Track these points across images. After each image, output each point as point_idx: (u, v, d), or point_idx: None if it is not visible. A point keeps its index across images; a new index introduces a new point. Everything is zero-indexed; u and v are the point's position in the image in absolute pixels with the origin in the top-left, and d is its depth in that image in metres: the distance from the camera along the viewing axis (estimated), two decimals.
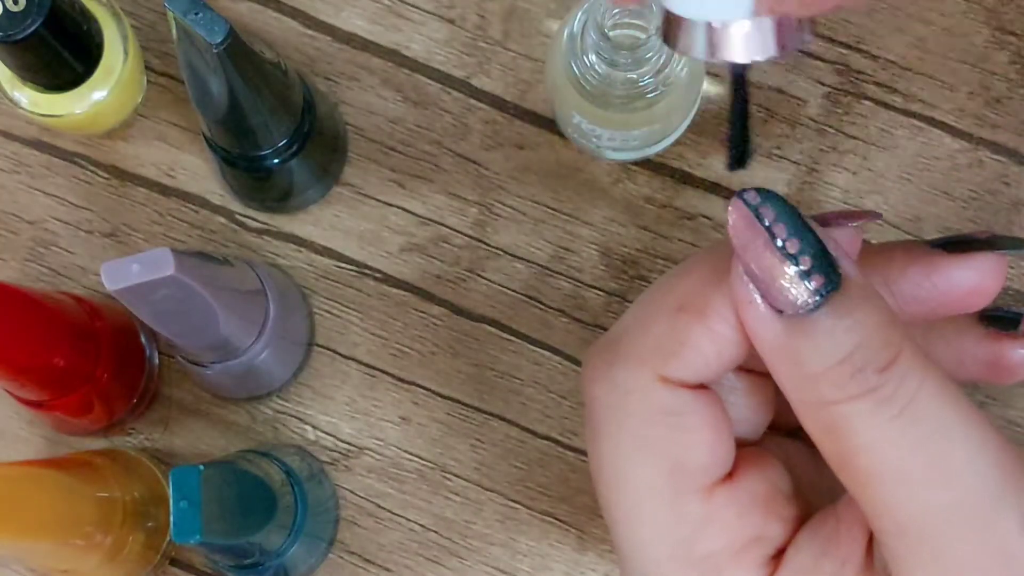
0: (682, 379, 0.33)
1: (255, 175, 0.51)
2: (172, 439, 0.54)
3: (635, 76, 0.46)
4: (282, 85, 0.48)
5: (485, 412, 0.53)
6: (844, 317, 0.30)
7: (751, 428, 0.37)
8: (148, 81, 0.54)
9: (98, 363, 0.49)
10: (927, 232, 0.53)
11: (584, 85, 0.47)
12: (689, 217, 0.53)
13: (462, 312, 0.53)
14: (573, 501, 0.53)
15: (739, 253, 0.31)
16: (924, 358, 0.31)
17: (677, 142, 0.53)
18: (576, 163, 0.53)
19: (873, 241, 0.37)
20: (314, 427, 0.53)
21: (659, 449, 0.34)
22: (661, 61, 0.46)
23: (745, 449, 0.35)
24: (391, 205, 0.54)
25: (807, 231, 0.31)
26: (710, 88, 0.53)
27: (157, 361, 0.53)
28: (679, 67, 0.47)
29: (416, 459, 0.53)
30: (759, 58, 0.28)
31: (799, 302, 0.30)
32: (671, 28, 0.29)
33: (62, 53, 0.49)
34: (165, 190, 0.54)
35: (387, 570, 0.53)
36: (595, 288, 0.53)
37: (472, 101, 0.54)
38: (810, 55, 0.53)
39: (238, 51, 0.43)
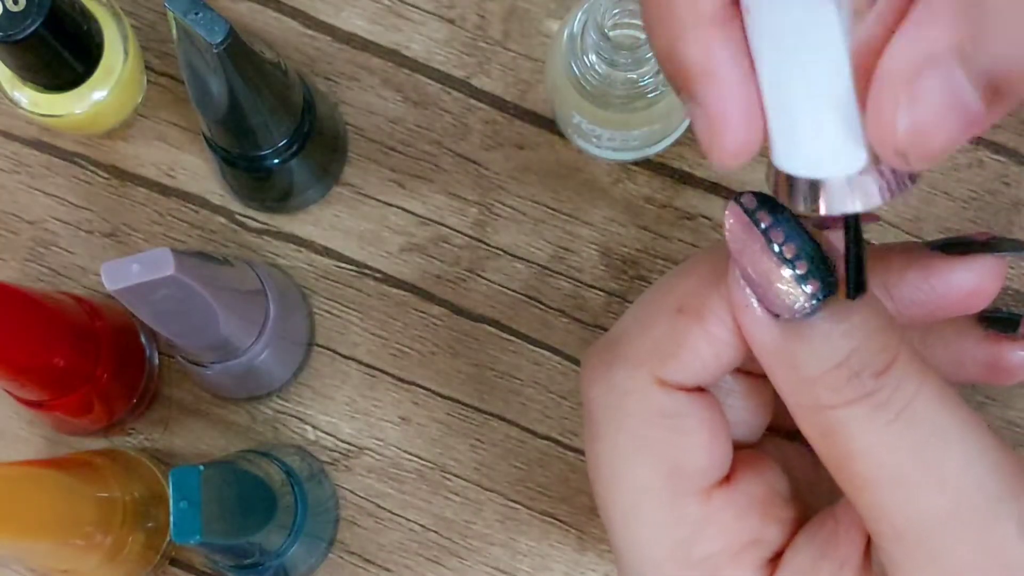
0: (680, 381, 0.33)
1: (255, 175, 0.51)
2: (172, 439, 0.54)
3: (635, 76, 0.46)
4: (282, 85, 0.48)
5: (485, 412, 0.53)
6: (841, 321, 0.30)
7: (749, 430, 0.37)
8: (148, 81, 0.54)
9: (98, 363, 0.49)
10: (927, 232, 0.53)
11: (584, 85, 0.47)
12: (689, 217, 0.53)
13: (462, 312, 0.53)
14: (573, 501, 0.53)
15: (736, 257, 0.31)
16: (921, 362, 0.31)
17: (677, 142, 0.53)
18: (576, 163, 0.53)
19: (873, 242, 0.37)
20: (314, 427, 0.53)
21: (657, 451, 0.34)
22: None
23: (743, 451, 0.35)
24: (391, 205, 0.54)
25: (804, 235, 0.31)
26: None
27: (157, 361, 0.53)
28: None
29: (416, 459, 0.53)
30: (871, 207, 0.28)
31: (796, 306, 0.30)
32: (777, 179, 0.29)
33: (62, 53, 0.49)
34: (165, 190, 0.54)
35: (387, 570, 0.53)
36: (595, 288, 0.53)
37: (472, 101, 0.54)
38: None
39: (238, 51, 0.43)
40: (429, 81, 0.54)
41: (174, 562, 0.53)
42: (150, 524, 0.50)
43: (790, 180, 0.29)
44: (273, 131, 0.49)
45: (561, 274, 0.53)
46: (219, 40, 0.42)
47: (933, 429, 0.30)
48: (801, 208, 0.29)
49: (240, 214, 0.54)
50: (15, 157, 0.55)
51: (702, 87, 0.28)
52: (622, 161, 0.53)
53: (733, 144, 0.28)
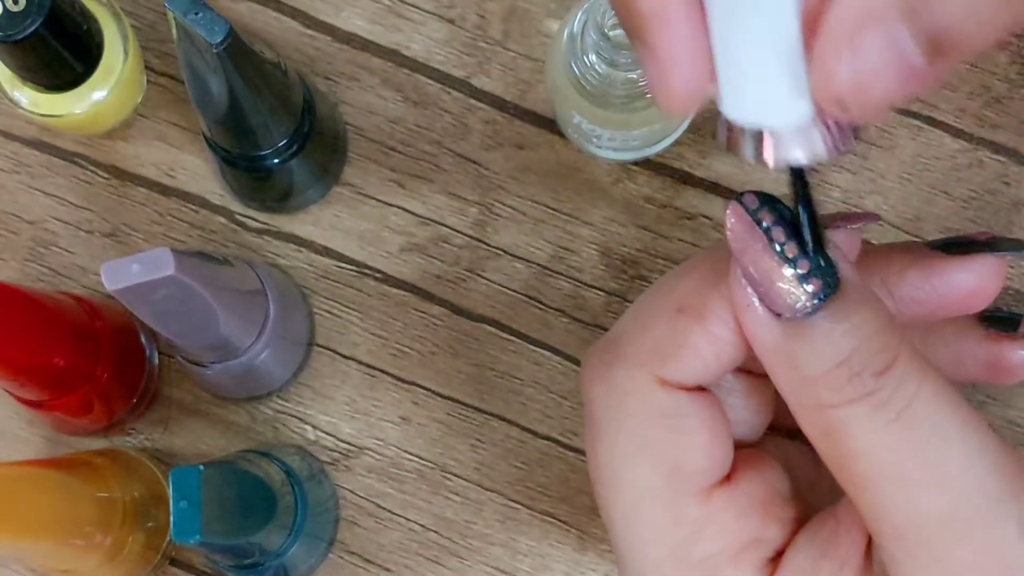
0: (680, 381, 0.33)
1: (255, 175, 0.51)
2: (172, 439, 0.54)
3: (635, 76, 0.46)
4: (282, 85, 0.48)
5: (485, 412, 0.53)
6: (842, 321, 0.30)
7: (750, 429, 0.37)
8: (148, 81, 0.54)
9: (98, 363, 0.49)
10: (927, 232, 0.53)
11: (584, 85, 0.47)
12: (689, 217, 0.53)
13: (462, 312, 0.53)
14: (573, 501, 0.53)
15: (737, 256, 0.31)
16: (922, 362, 0.31)
17: (677, 142, 0.53)
18: (576, 163, 0.53)
19: (873, 241, 0.37)
20: (314, 427, 0.53)
21: (657, 451, 0.34)
22: None
23: (744, 451, 0.35)
24: (391, 205, 0.54)
25: (805, 235, 0.31)
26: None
27: (157, 361, 0.53)
28: None
29: (416, 459, 0.53)
30: (815, 160, 0.29)
31: (797, 306, 0.30)
32: (728, 132, 0.30)
33: (62, 53, 0.49)
34: (165, 190, 0.54)
35: (387, 570, 0.53)
36: (595, 288, 0.53)
37: (472, 101, 0.54)
38: None
39: (238, 51, 0.43)
40: (429, 81, 0.54)
41: (174, 562, 0.53)
42: (150, 524, 0.50)
43: (738, 129, 0.29)
44: (273, 131, 0.49)
45: (561, 274, 0.53)
46: (219, 40, 0.42)
47: (934, 429, 0.30)
48: (749, 157, 0.29)
49: (240, 214, 0.54)
50: (15, 157, 0.55)
51: (654, 31, 0.28)
52: (622, 161, 0.53)
53: (680, 86, 0.28)
